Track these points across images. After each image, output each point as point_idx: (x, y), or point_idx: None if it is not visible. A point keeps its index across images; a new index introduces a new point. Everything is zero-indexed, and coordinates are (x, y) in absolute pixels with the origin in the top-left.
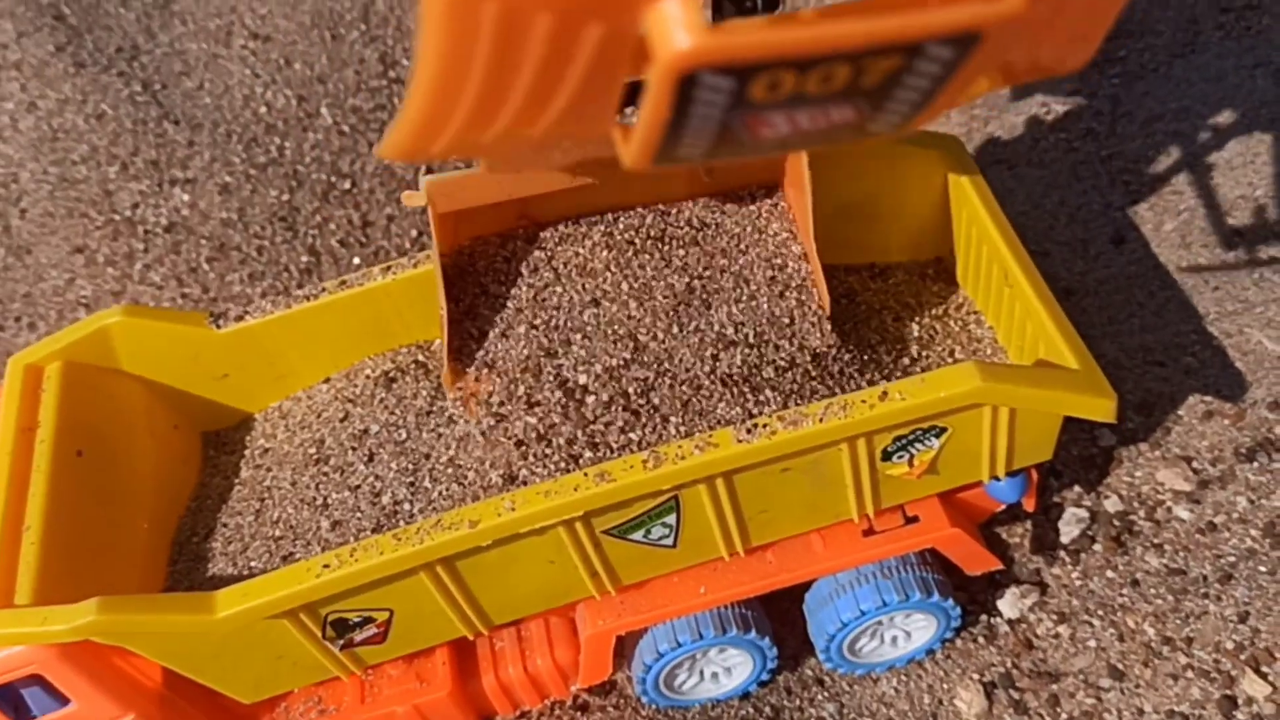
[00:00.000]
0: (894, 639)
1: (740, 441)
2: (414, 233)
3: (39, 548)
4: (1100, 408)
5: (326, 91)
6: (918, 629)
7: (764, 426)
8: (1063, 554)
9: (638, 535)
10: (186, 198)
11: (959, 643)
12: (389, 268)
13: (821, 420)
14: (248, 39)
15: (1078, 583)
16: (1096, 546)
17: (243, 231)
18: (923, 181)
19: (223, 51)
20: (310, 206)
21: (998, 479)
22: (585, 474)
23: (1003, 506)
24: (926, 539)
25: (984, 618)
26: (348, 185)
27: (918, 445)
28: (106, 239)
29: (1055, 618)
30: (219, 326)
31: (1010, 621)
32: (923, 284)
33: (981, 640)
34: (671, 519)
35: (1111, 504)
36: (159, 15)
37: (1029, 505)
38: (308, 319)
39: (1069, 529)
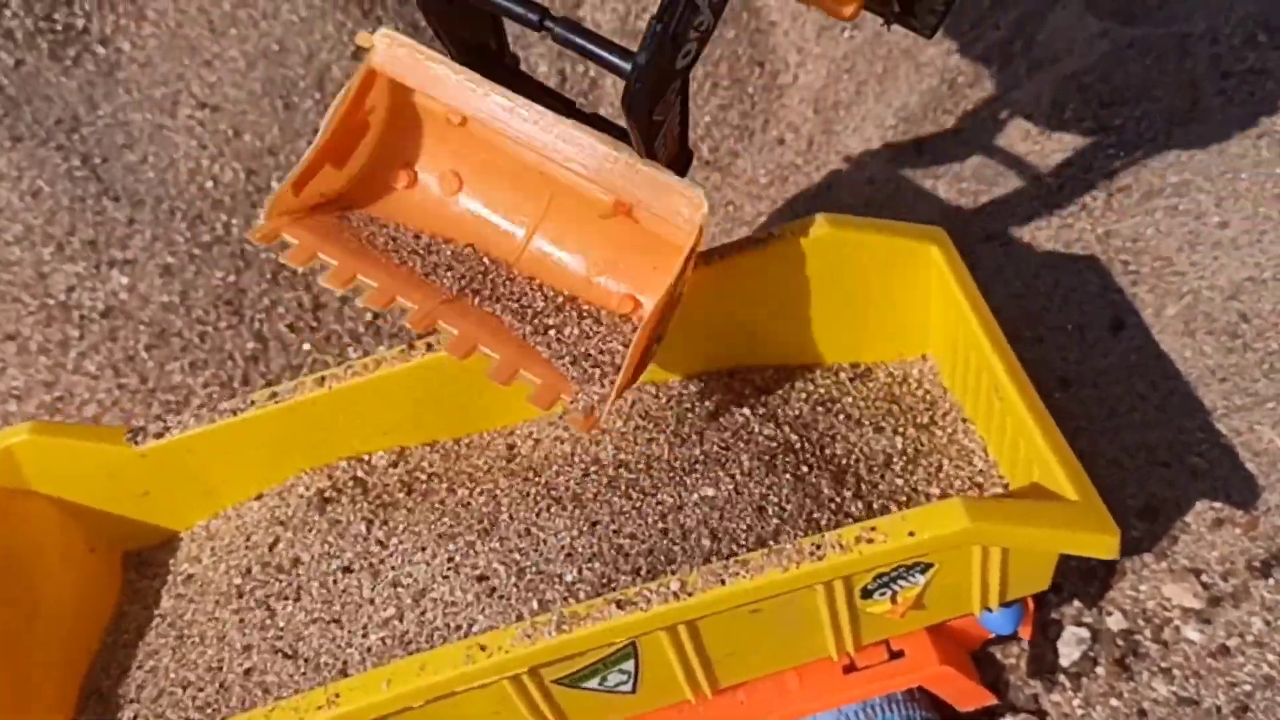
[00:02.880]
0: None
1: (706, 588)
2: (368, 315)
3: None
4: (1102, 544)
5: (278, 164)
6: None
7: (732, 573)
8: (1063, 678)
9: (592, 683)
10: (125, 280)
11: None
12: (323, 379)
13: (797, 565)
14: (195, 108)
15: (1080, 712)
16: (1099, 670)
17: (185, 316)
18: (908, 276)
19: (168, 122)
20: (258, 289)
21: (990, 610)
22: (534, 623)
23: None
24: (913, 677)
25: None
26: None
27: (901, 582)
28: (40, 325)
29: None
30: (137, 443)
31: None
32: (906, 387)
33: None
34: (629, 665)
35: (1115, 621)
36: (102, 83)
37: (1025, 634)
38: (234, 434)
39: (1069, 650)
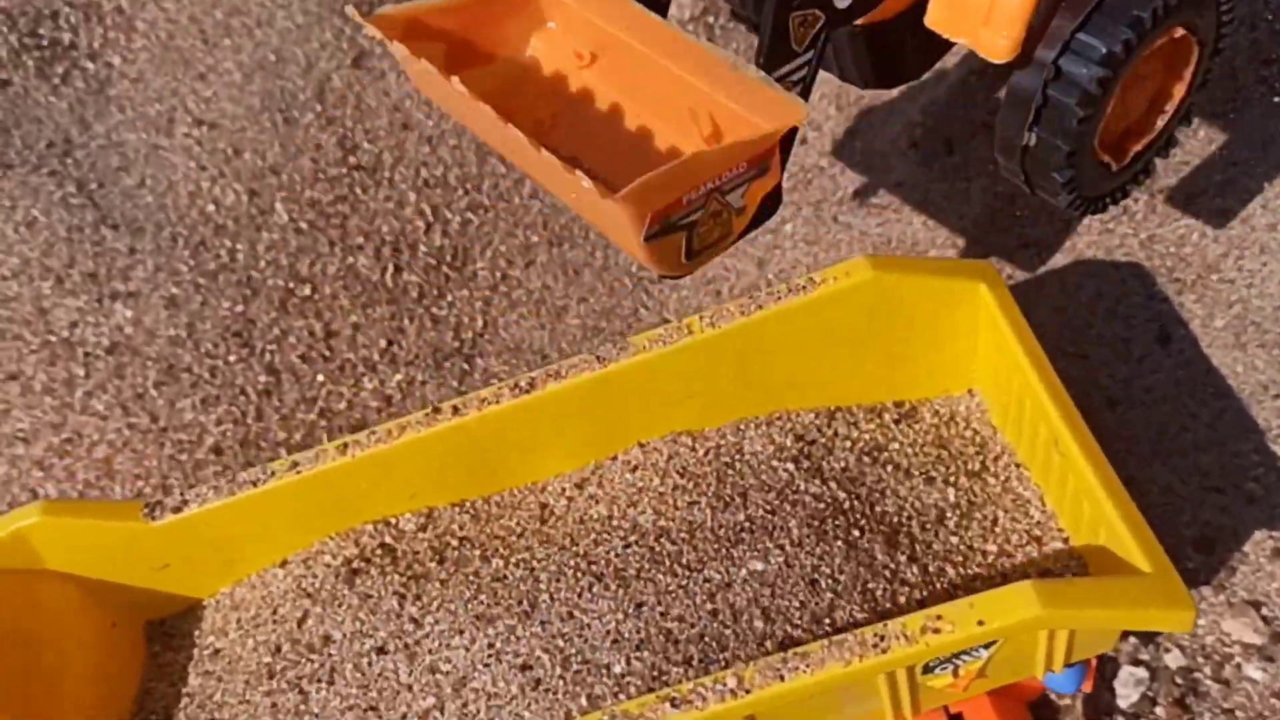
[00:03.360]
0: None
1: (764, 685)
2: (383, 342)
3: None
4: (1177, 620)
5: (281, 184)
6: None
7: (791, 667)
8: None
9: None
10: (129, 313)
11: None
12: (345, 446)
13: (860, 659)
14: (191, 126)
15: None
16: (1158, 711)
17: (193, 350)
18: (955, 313)
19: (165, 142)
20: (267, 318)
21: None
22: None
23: None
24: None
25: None
26: (308, 291)
27: (965, 657)
28: (43, 364)
29: None
30: (154, 518)
31: None
32: (954, 428)
33: None
34: None
35: (1173, 659)
36: (93, 103)
37: (1086, 688)
38: (255, 504)
39: (1127, 691)
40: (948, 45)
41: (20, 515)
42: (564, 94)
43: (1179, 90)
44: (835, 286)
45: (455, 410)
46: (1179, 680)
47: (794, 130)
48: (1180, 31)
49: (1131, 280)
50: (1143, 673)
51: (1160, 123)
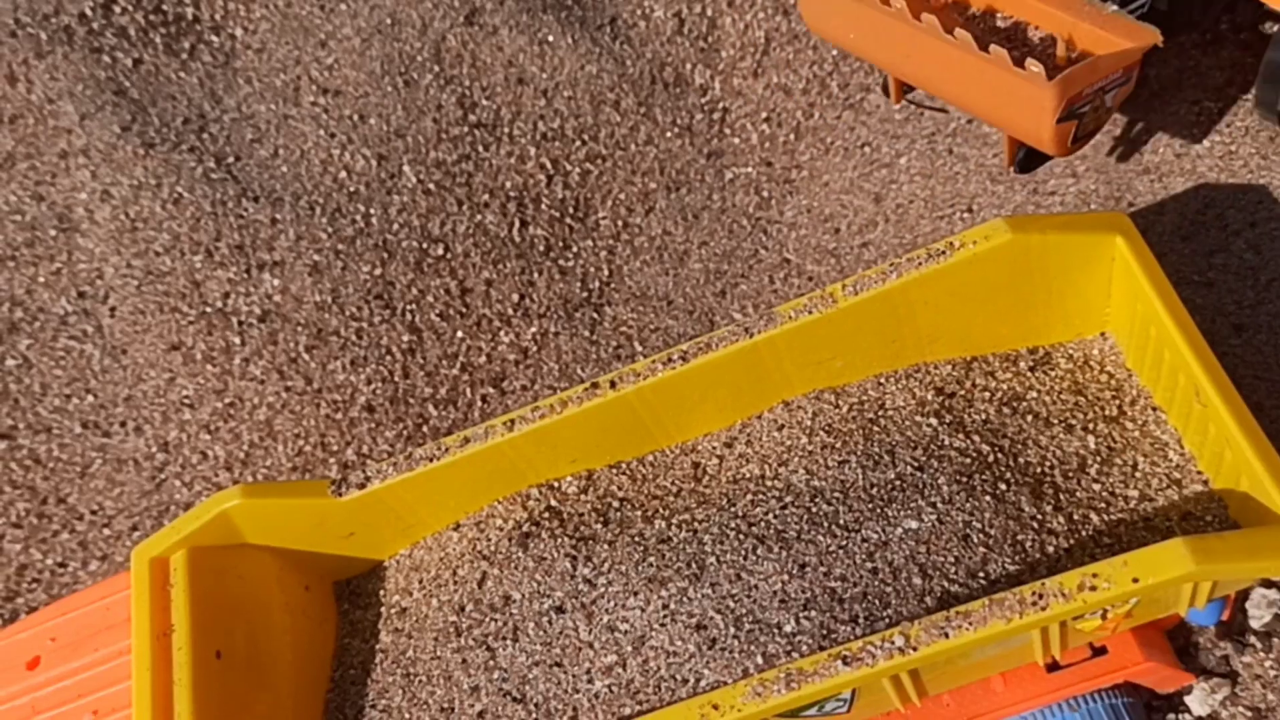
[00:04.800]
0: None
1: (930, 642)
2: (515, 296)
3: None
4: None
5: (406, 146)
6: None
7: (955, 625)
8: (1253, 639)
9: (811, 711)
10: (277, 282)
11: None
12: (512, 422)
13: (1020, 616)
14: (317, 94)
15: (1272, 673)
16: None
17: (339, 314)
18: (1090, 265)
19: (293, 111)
20: (405, 279)
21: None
22: (763, 680)
23: None
24: (1118, 675)
25: (1171, 716)
26: (440, 250)
27: (1113, 605)
28: (201, 334)
29: (1250, 714)
30: (341, 494)
31: None
32: (1089, 373)
33: None
34: (847, 694)
35: None
36: (222, 76)
37: (1225, 617)
38: (431, 478)
39: (1259, 612)
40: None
41: (223, 499)
42: (947, 20)
43: None
44: (974, 250)
45: (613, 385)
46: None
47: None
48: None
49: (1257, 204)
50: (1275, 594)
51: None
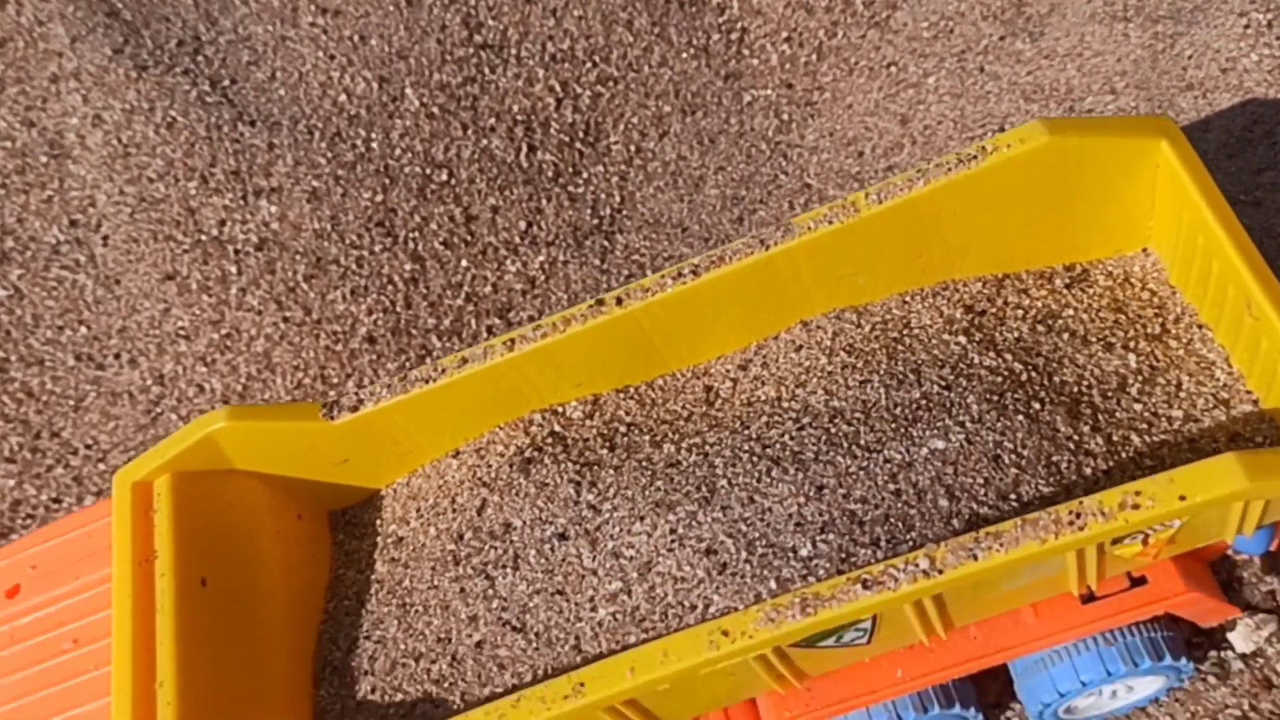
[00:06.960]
0: (1114, 693)
1: (957, 564)
2: (522, 224)
3: (175, 709)
4: None
5: (409, 69)
6: (1142, 684)
7: (985, 546)
8: None
9: (828, 641)
10: (274, 209)
11: (1186, 681)
12: (511, 342)
13: (1056, 537)
14: (316, 14)
15: None
16: None
17: (339, 242)
18: (1132, 172)
19: (291, 33)
20: (407, 206)
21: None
22: (775, 606)
23: None
24: (1158, 606)
25: (1213, 653)
26: (444, 176)
27: (1156, 527)
28: (197, 263)
29: None
30: (333, 418)
31: (1244, 657)
32: (1130, 289)
33: (1212, 680)
34: (866, 623)
35: None
36: None
37: (1274, 547)
38: (427, 401)
39: None
40: None
41: (208, 421)
42: None
43: None
44: (1008, 154)
45: (619, 301)
46: None
47: None
48: None
49: None
50: None
51: None
